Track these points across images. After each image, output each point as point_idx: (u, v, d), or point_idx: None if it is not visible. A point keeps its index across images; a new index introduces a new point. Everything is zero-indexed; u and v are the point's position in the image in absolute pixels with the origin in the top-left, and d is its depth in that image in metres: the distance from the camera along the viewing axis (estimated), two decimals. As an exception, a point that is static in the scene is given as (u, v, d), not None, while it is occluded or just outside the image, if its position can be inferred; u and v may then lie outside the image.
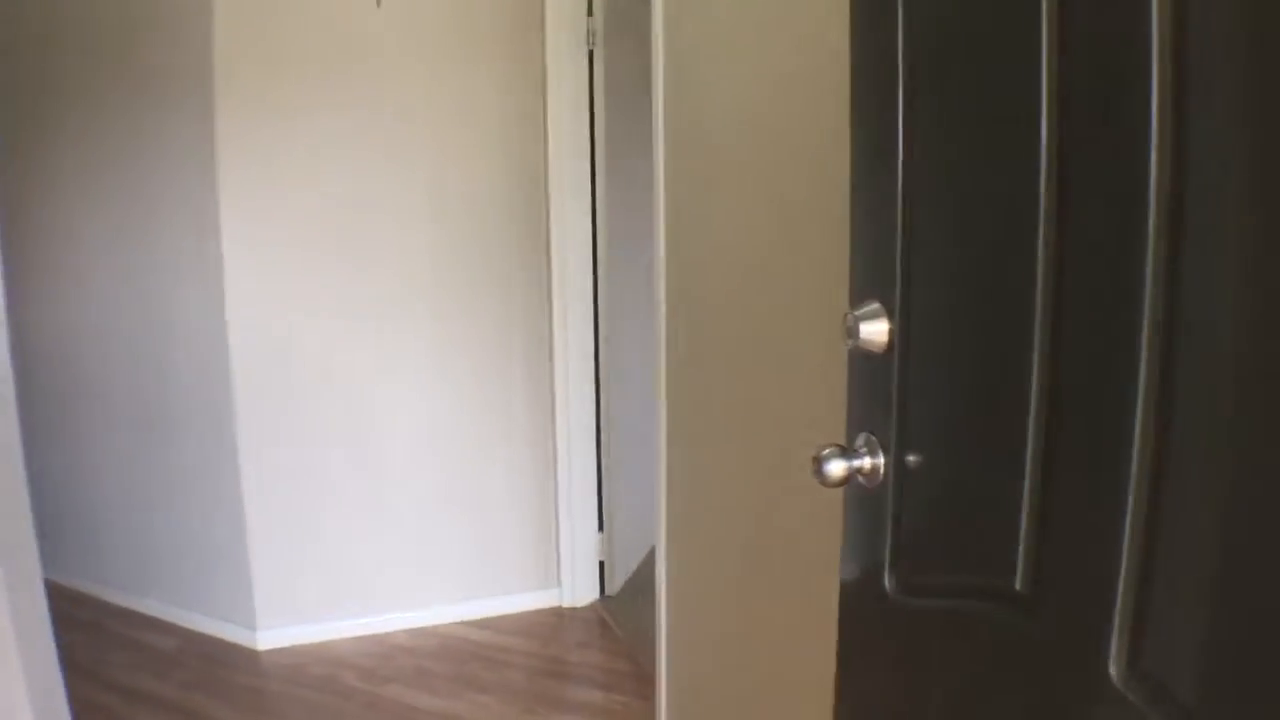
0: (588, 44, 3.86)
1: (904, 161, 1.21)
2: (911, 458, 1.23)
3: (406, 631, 3.98)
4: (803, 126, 1.86)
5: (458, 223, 3.88)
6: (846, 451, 1.29)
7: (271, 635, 3.95)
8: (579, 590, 4.13)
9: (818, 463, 1.27)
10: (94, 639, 4.15)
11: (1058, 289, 0.97)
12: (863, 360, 1.31)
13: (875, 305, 1.26)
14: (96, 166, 4.18)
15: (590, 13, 3.85)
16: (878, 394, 1.28)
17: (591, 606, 4.13)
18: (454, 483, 4.01)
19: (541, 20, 3.81)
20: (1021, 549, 1.02)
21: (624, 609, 4.04)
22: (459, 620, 4.03)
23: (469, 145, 3.86)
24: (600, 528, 4.18)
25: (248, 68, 3.66)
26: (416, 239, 3.86)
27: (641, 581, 4.20)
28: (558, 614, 4.08)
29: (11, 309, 4.55)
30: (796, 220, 1.91)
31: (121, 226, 4.12)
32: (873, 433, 1.29)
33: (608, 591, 4.19)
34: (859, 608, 1.37)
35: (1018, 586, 1.03)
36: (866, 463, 1.27)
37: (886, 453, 1.26)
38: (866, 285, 1.31)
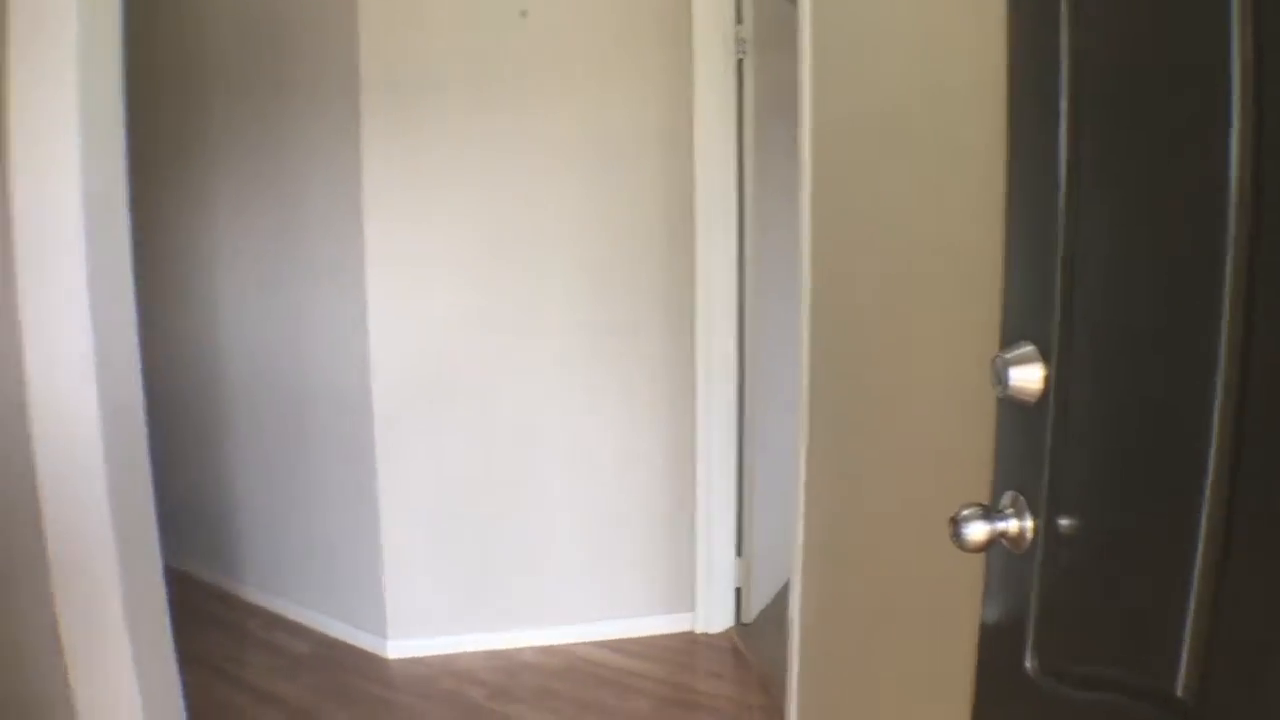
0: (736, 53, 3.76)
1: (1067, 186, 1.08)
2: (1064, 523, 1.09)
3: (535, 649, 3.94)
4: (956, 143, 1.72)
5: (601, 237, 3.83)
6: (990, 512, 1.15)
7: (401, 645, 3.96)
8: (713, 616, 4.02)
9: (956, 525, 1.15)
10: (232, 638, 4.23)
11: (1247, 335, 0.83)
12: (1013, 409, 1.18)
13: (1029, 348, 1.12)
14: (244, 177, 4.29)
15: (740, 20, 3.75)
16: (1029, 448, 1.15)
17: (725, 634, 4.02)
18: (590, 500, 3.96)
19: (689, 29, 3.72)
20: (1186, 646, 0.88)
21: (759, 638, 3.92)
22: (588, 640, 3.97)
23: (613, 158, 3.80)
24: (738, 553, 4.06)
25: (393, 81, 3.70)
26: (559, 253, 3.82)
27: (779, 611, 4.07)
28: (690, 640, 3.98)
29: (163, 318, 4.72)
30: (949, 247, 1.77)
31: (268, 238, 4.21)
32: (1021, 492, 1.15)
33: (743, 619, 4.08)
34: (995, 683, 1.24)
35: (1178, 692, 0.89)
36: (1012, 525, 1.14)
37: (1036, 515, 1.12)
38: (1020, 324, 1.18)
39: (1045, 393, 1.11)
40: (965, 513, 1.15)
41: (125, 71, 2.56)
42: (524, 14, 3.67)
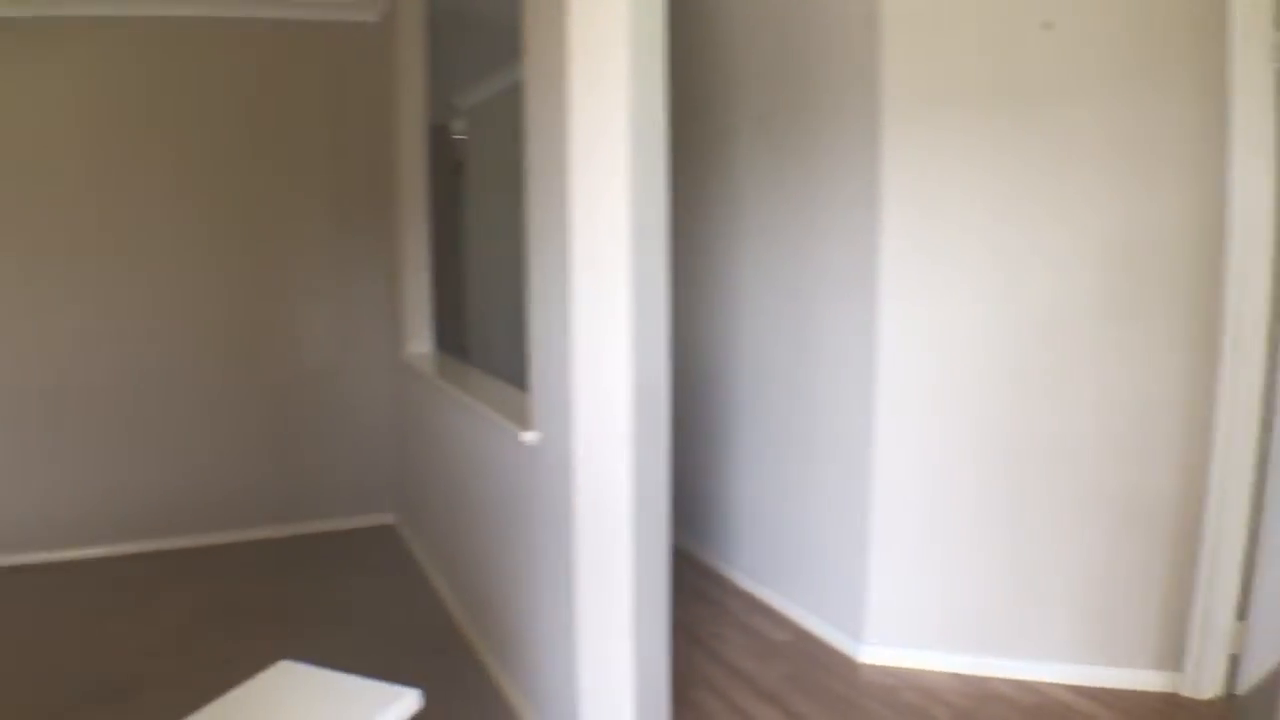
0: (1277, 60, 3.45)
1: None
2: None
3: (1008, 681, 3.92)
4: None
5: (1119, 253, 3.68)
6: None
7: (874, 651, 4.12)
8: (1202, 680, 3.79)
9: None
10: (716, 615, 4.58)
11: None
12: None
13: None
14: (766, 185, 4.63)
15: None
16: None
17: (1214, 702, 3.77)
18: (1087, 536, 3.85)
19: (1222, 37, 3.47)
20: None
21: (1251, 713, 3.64)
22: (1063, 682, 3.89)
23: (1135, 170, 3.65)
24: (1240, 616, 3.79)
25: (913, 95, 3.83)
26: (1073, 268, 3.73)
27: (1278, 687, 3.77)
28: (1172, 702, 3.77)
29: (689, 318, 5.16)
30: None
31: (787, 247, 4.51)
32: None
33: (1236, 689, 3.80)
34: None
35: None
36: None
37: None
38: None
39: None
40: None
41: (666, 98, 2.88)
42: (1048, 26, 3.63)
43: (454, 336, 6.78)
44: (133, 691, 3.94)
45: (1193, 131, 3.59)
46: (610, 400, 2.86)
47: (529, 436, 3.33)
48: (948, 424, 3.95)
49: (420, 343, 5.66)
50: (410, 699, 2.08)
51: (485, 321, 8.23)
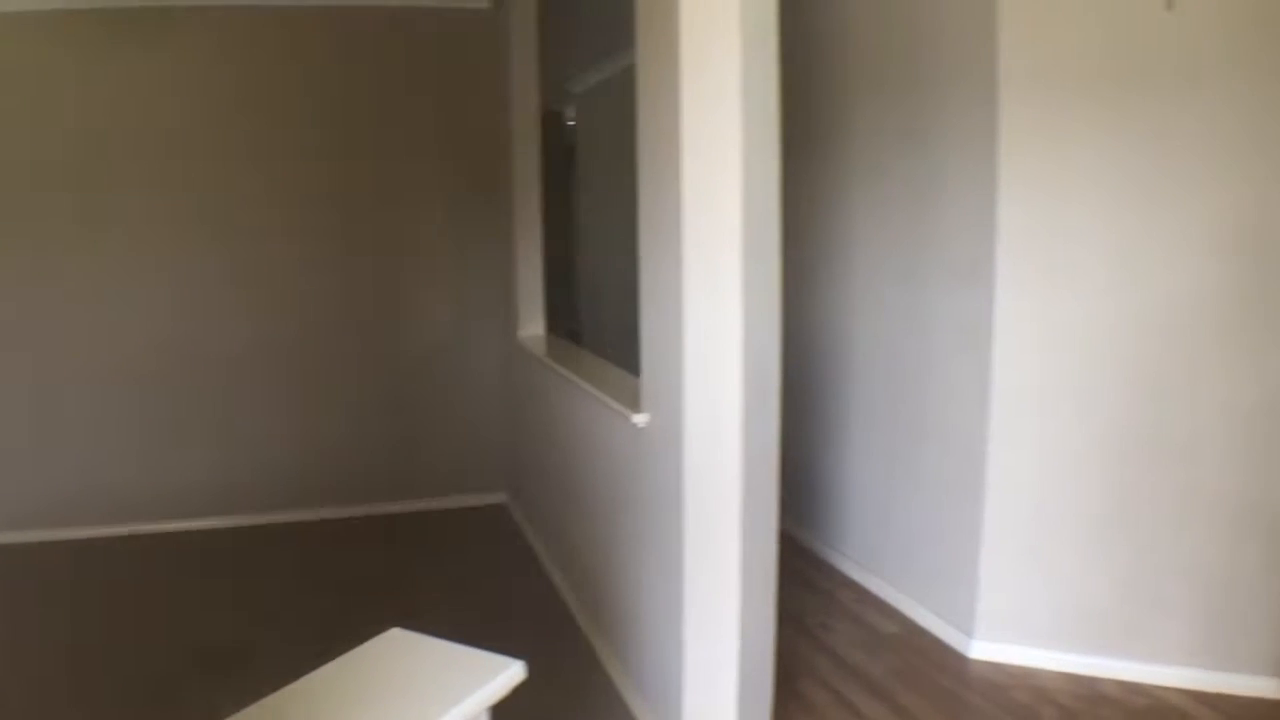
0: None
1: None
2: None
3: (1120, 683, 3.93)
4: None
5: (1247, 253, 3.64)
6: None
7: (984, 647, 4.19)
8: (1326, 688, 3.78)
9: None
10: (824, 605, 4.71)
11: None
12: None
13: None
14: (881, 171, 4.70)
15: None
16: None
17: (1336, 710, 3.76)
18: (1202, 537, 3.83)
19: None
20: None
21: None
22: (1176, 686, 3.88)
23: (1265, 160, 3.59)
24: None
25: (1033, 74, 3.83)
26: (1202, 272, 3.68)
27: None
28: (1291, 709, 3.77)
29: (798, 301, 5.27)
30: None
31: (900, 231, 4.58)
32: None
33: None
34: None
35: None
36: None
37: None
38: None
39: None
40: None
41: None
42: (1170, 5, 3.57)
43: (566, 320, 6.99)
44: (242, 659, 4.24)
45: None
46: (721, 383, 2.99)
47: (639, 419, 3.47)
48: (1065, 418, 3.95)
49: (533, 325, 5.86)
50: (516, 669, 2.23)
51: (596, 305, 8.45)
